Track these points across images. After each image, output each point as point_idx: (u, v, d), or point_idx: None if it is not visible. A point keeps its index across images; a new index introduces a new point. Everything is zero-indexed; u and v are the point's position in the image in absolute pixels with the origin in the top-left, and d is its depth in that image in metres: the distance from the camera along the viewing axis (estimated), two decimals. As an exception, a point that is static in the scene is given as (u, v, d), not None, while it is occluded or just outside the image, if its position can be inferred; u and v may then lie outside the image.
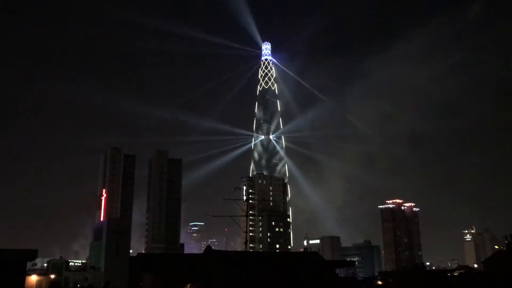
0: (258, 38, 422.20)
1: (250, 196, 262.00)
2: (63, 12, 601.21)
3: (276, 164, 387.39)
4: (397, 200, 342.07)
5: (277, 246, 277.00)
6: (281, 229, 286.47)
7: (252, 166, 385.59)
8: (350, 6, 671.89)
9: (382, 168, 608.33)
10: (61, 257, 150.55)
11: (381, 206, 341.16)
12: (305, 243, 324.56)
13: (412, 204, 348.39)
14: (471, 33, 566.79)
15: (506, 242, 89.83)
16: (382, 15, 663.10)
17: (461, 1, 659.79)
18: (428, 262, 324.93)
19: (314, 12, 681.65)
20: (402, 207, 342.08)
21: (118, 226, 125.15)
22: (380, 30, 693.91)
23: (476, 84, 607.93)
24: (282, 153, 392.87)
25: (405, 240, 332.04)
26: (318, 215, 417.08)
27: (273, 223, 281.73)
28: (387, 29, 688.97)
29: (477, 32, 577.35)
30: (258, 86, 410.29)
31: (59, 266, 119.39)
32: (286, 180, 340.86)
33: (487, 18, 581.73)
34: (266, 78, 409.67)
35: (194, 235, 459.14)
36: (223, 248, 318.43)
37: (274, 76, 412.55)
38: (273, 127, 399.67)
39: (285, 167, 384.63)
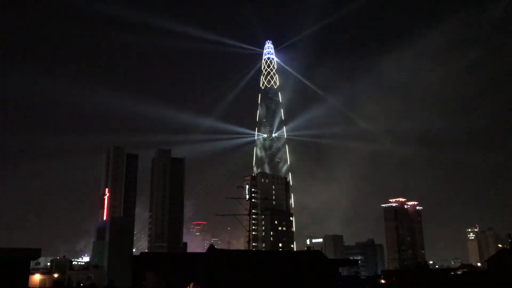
0: (261, 37, 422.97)
1: (253, 195, 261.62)
2: (64, 11, 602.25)
3: (279, 163, 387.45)
4: (400, 199, 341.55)
5: (280, 245, 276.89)
6: (284, 228, 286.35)
7: (254, 165, 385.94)
8: (359, 2, 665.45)
9: (388, 167, 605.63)
10: (64, 256, 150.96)
11: (384, 205, 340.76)
12: (308, 242, 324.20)
13: (415, 203, 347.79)
14: (489, 31, 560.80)
15: (510, 240, 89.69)
16: (394, 12, 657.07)
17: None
18: (431, 260, 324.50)
19: (320, 9, 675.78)
20: (405, 206, 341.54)
21: (121, 225, 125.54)
22: (392, 28, 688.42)
23: (491, 83, 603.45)
24: (284, 151, 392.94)
25: (408, 238, 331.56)
26: (321, 213, 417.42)
27: (275, 222, 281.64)
28: (400, 26, 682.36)
29: (496, 30, 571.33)
30: (261, 84, 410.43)
31: (63, 265, 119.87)
32: (288, 179, 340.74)
33: (508, 16, 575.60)
34: (269, 77, 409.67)
35: (197, 234, 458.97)
36: (226, 247, 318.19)
37: (277, 74, 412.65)
38: (275, 125, 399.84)
39: (288, 166, 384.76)
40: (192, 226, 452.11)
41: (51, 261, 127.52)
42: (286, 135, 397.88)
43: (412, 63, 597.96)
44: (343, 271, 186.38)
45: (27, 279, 27.11)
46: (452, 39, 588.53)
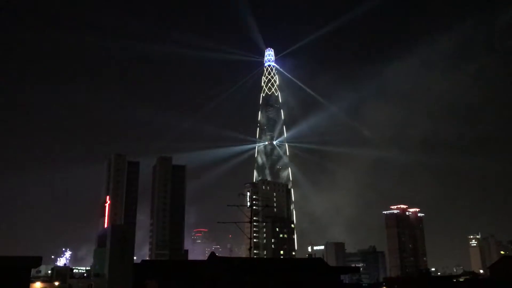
0: (262, 45, 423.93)
1: (254, 202, 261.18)
2: (66, 16, 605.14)
3: (280, 170, 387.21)
4: (402, 206, 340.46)
5: (281, 252, 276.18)
6: (285, 235, 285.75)
7: (255, 172, 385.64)
8: (364, 8, 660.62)
9: (391, 174, 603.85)
10: (65, 264, 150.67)
11: (385, 212, 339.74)
12: (309, 249, 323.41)
13: (417, 210, 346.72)
14: (498, 37, 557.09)
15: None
16: (400, 19, 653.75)
17: (491, 6, 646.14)
18: (433, 268, 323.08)
19: (322, 15, 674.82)
20: (407, 213, 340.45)
21: (122, 233, 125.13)
22: (397, 34, 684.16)
23: (498, 90, 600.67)
24: (285, 159, 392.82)
25: (410, 245, 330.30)
26: (322, 221, 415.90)
27: (277, 229, 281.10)
28: (406, 33, 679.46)
29: (504, 37, 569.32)
30: (261, 92, 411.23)
31: (64, 273, 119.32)
32: (290, 186, 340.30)
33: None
34: (270, 84, 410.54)
35: (198, 241, 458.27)
36: (227, 255, 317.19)
37: (278, 82, 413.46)
38: (276, 133, 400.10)
39: (289, 173, 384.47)
40: (193, 234, 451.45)
41: (52, 269, 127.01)
42: (287, 142, 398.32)
43: (418, 70, 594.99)
44: (345, 278, 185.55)
45: (28, 287, 27.04)
46: (459, 46, 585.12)
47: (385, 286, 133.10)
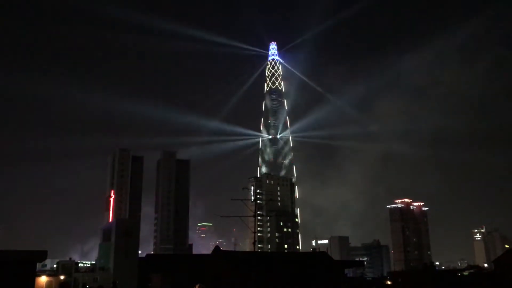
0: (265, 38, 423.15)
1: (258, 196, 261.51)
2: (67, 13, 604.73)
3: (284, 164, 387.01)
4: (406, 200, 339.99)
5: (285, 246, 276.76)
6: (289, 229, 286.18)
7: (259, 166, 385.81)
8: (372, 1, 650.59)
9: (397, 168, 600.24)
10: (70, 258, 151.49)
11: (389, 206, 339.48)
12: (313, 243, 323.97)
13: (421, 204, 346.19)
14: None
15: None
16: (413, 10, 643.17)
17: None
18: (437, 262, 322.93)
19: (329, 7, 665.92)
20: (411, 207, 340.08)
21: (126, 227, 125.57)
22: (411, 26, 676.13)
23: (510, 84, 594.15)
24: (290, 153, 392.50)
25: (414, 239, 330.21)
26: (327, 215, 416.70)
27: (281, 223, 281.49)
28: (420, 24, 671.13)
29: None
30: (265, 85, 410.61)
31: (69, 267, 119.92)
32: (294, 180, 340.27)
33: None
34: (273, 78, 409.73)
35: (202, 235, 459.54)
36: (231, 249, 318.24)
37: (281, 75, 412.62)
38: (280, 126, 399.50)
39: (293, 167, 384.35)
40: (198, 228, 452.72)
41: (57, 263, 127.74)
42: (292, 136, 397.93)
43: (430, 63, 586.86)
44: (349, 272, 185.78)
45: (33, 281, 27.24)
46: (474, 40, 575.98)
47: (389, 280, 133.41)
